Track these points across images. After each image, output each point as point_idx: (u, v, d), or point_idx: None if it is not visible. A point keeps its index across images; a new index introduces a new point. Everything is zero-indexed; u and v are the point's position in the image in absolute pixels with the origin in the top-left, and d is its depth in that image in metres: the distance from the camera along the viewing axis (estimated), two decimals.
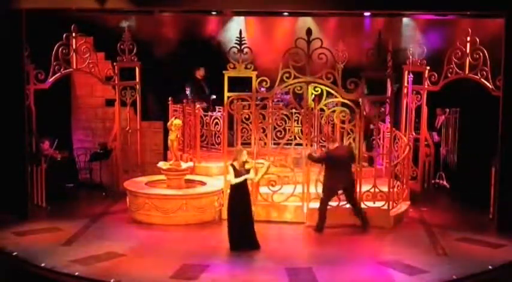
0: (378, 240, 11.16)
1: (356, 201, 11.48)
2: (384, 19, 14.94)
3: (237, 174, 10.39)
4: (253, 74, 11.82)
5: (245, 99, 12.07)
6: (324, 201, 11.41)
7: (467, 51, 12.64)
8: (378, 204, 11.68)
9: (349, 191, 11.45)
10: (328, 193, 11.43)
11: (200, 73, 14.74)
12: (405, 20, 15.09)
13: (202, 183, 12.52)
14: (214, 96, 14.75)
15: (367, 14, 14.24)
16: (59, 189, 13.21)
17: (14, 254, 9.91)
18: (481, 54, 12.41)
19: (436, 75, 13.29)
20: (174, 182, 12.30)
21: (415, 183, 13.66)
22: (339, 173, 11.34)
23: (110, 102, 14.77)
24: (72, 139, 15.17)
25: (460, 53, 12.77)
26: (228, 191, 10.68)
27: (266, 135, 12.34)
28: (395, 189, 11.94)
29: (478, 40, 12.49)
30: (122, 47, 13.76)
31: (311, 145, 12.20)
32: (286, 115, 13.15)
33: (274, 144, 12.63)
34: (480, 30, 12.99)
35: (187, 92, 14.57)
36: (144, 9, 13.69)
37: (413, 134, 13.93)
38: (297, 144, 12.27)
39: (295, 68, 11.56)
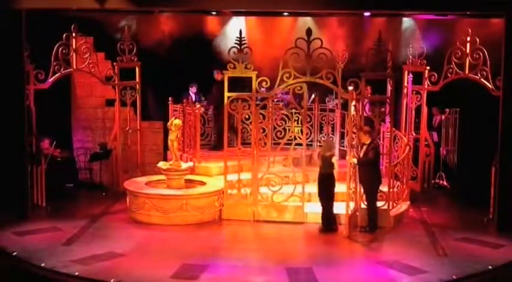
0: (378, 240, 11.15)
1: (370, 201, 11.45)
2: (383, 19, 14.95)
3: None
4: (253, 74, 11.82)
5: (245, 99, 12.07)
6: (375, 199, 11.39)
7: (467, 51, 12.66)
8: (378, 204, 11.67)
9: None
10: (377, 190, 11.43)
11: (219, 76, 14.52)
12: (405, 20, 15.10)
13: (202, 183, 12.52)
14: None
15: (367, 14, 14.23)
16: (59, 189, 13.21)
17: (14, 254, 9.92)
18: (481, 54, 12.42)
19: (436, 75, 13.30)
20: (174, 182, 12.30)
21: (415, 183, 13.67)
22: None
23: (110, 102, 14.78)
24: (72, 139, 15.17)
25: (460, 53, 12.79)
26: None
27: (266, 135, 12.34)
28: (395, 189, 11.94)
29: (478, 40, 12.50)
30: (121, 47, 13.77)
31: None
32: (286, 115, 13.15)
33: (274, 144, 12.62)
34: (480, 30, 12.99)
35: (191, 92, 14.56)
36: (144, 9, 13.69)
37: (413, 134, 13.94)
38: (297, 144, 12.26)
39: (296, 68, 11.55)
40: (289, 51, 11.41)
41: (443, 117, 14.58)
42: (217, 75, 14.18)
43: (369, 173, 11.27)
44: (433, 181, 14.36)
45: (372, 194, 11.34)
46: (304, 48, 11.38)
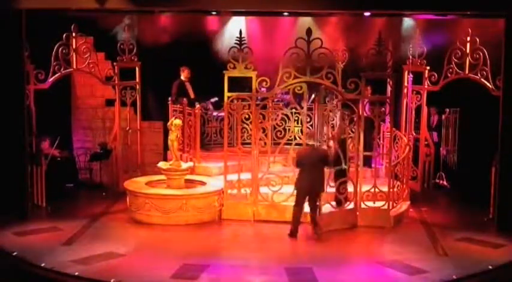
0: (377, 240, 11.16)
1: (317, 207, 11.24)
2: (384, 19, 14.94)
3: None
4: (253, 74, 11.82)
5: (245, 99, 12.07)
6: (298, 204, 11.12)
7: (467, 51, 12.66)
8: (378, 204, 11.68)
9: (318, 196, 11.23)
10: (302, 197, 11.12)
11: (185, 74, 14.47)
12: (405, 20, 15.09)
13: (202, 183, 12.52)
14: (216, 98, 14.75)
15: (367, 14, 14.22)
16: (59, 189, 13.21)
17: (14, 254, 9.91)
18: (481, 54, 12.43)
19: (436, 75, 13.31)
20: (174, 182, 12.30)
21: (415, 183, 13.67)
22: (311, 175, 11.01)
23: (110, 102, 14.79)
24: (72, 139, 15.18)
25: (460, 53, 12.80)
26: None
27: (266, 135, 12.34)
28: (395, 189, 11.94)
29: (478, 40, 12.50)
30: (122, 47, 13.77)
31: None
32: (286, 115, 13.16)
33: (274, 144, 12.62)
34: (480, 30, 12.99)
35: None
36: (144, 9, 13.68)
37: (414, 134, 13.94)
38: (297, 144, 12.26)
39: (296, 67, 11.54)
40: (289, 51, 11.41)
41: (443, 117, 14.58)
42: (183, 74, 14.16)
43: (299, 176, 11.17)
44: (433, 181, 14.37)
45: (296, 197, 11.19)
46: (304, 48, 11.38)
